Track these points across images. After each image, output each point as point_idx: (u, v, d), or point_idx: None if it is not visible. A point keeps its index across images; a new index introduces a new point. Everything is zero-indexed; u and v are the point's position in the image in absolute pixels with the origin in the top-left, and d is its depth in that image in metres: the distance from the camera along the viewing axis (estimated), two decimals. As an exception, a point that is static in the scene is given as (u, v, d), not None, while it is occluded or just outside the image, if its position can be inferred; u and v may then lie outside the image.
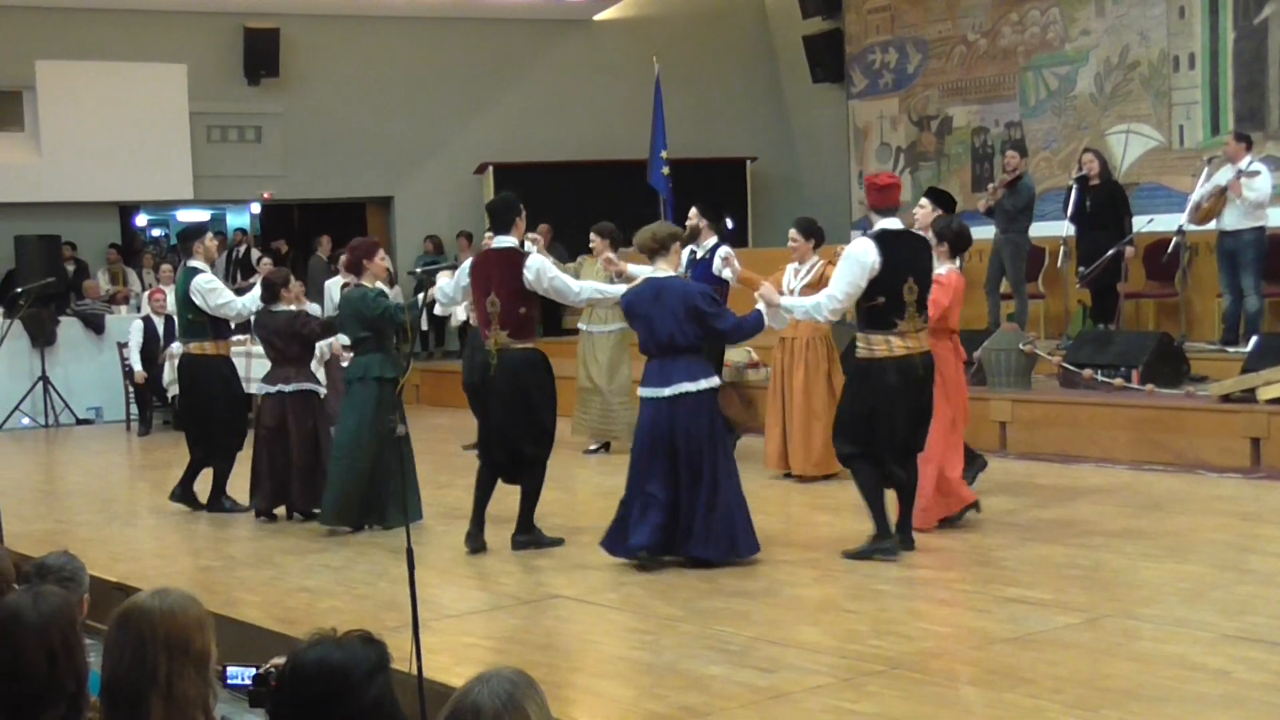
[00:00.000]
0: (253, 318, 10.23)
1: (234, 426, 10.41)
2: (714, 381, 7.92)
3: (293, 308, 10.06)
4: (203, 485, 10.43)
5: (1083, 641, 6.10)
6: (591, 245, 11.87)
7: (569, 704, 5.45)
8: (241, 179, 20.03)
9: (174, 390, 15.45)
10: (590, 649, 6.44)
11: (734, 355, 13.15)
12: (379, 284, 9.53)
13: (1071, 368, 12.09)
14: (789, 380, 10.64)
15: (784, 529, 8.85)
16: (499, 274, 8.37)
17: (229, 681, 4.35)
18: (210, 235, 10.69)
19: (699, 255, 10.90)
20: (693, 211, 11.37)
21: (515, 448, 8.38)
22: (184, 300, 10.21)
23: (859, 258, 7.71)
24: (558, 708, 5.09)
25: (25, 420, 16.40)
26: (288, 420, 9.75)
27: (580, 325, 12.79)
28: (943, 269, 8.40)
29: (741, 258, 10.33)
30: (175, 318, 11.53)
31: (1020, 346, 12.14)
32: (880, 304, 7.73)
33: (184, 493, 10.46)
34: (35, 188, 18.43)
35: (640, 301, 7.85)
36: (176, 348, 15.54)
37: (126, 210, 20.63)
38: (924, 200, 9.52)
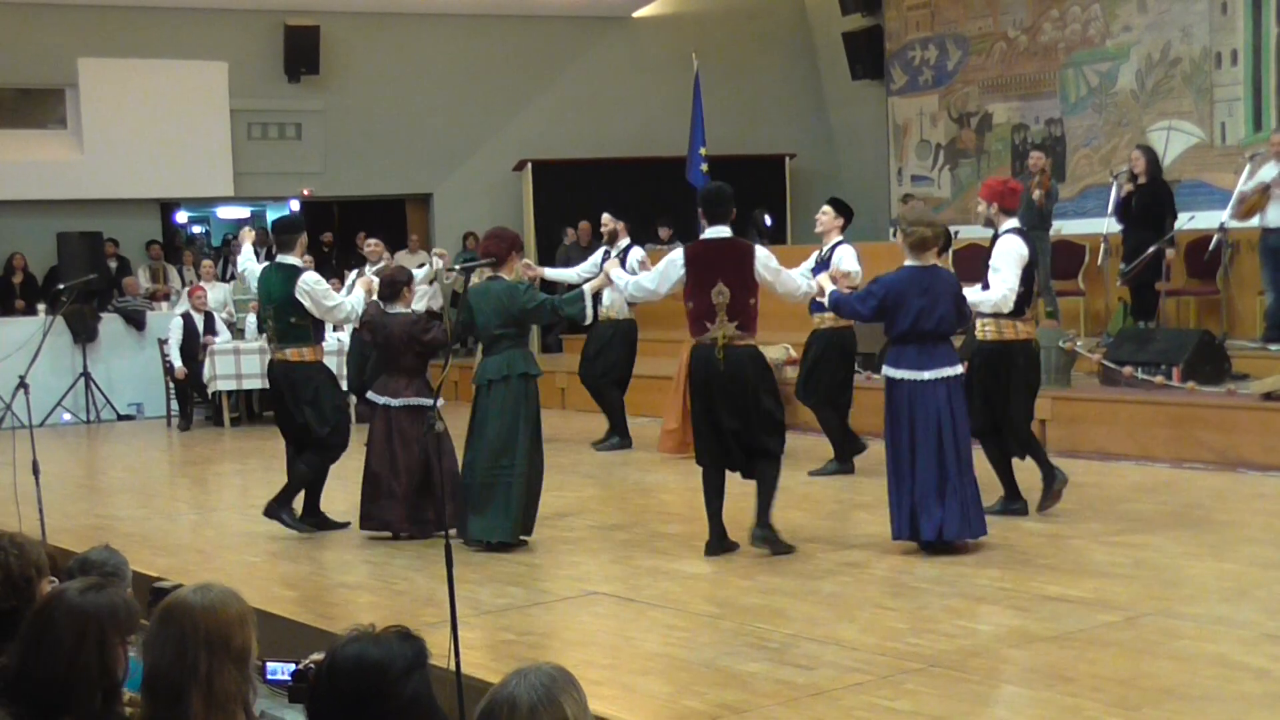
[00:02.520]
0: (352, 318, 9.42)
1: (342, 438, 9.38)
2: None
3: (410, 310, 9.17)
4: (261, 489, 10.42)
5: (1123, 640, 6.06)
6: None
7: (607, 701, 5.45)
8: (282, 176, 20.13)
9: (215, 386, 15.59)
10: (628, 646, 6.44)
11: (772, 353, 13.13)
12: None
13: (1112, 365, 12.02)
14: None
15: (822, 525, 8.83)
16: (728, 264, 8.06)
17: (269, 677, 4.38)
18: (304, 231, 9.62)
19: (613, 255, 11.53)
20: (605, 216, 12.72)
21: (754, 444, 8.04)
22: (285, 302, 9.09)
23: (1019, 251, 8.52)
24: (596, 704, 5.10)
25: (67, 416, 16.52)
26: (393, 439, 8.79)
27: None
28: None
29: (779, 254, 10.29)
30: (263, 323, 9.98)
31: (1060, 344, 12.07)
32: (1021, 293, 8.46)
33: (315, 514, 9.39)
34: (77, 185, 18.57)
35: (912, 289, 7.92)
36: (223, 342, 15.74)
37: (167, 207, 20.75)
38: (826, 208, 10.72)
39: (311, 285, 9.07)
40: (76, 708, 3.42)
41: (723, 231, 8.15)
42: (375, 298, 9.17)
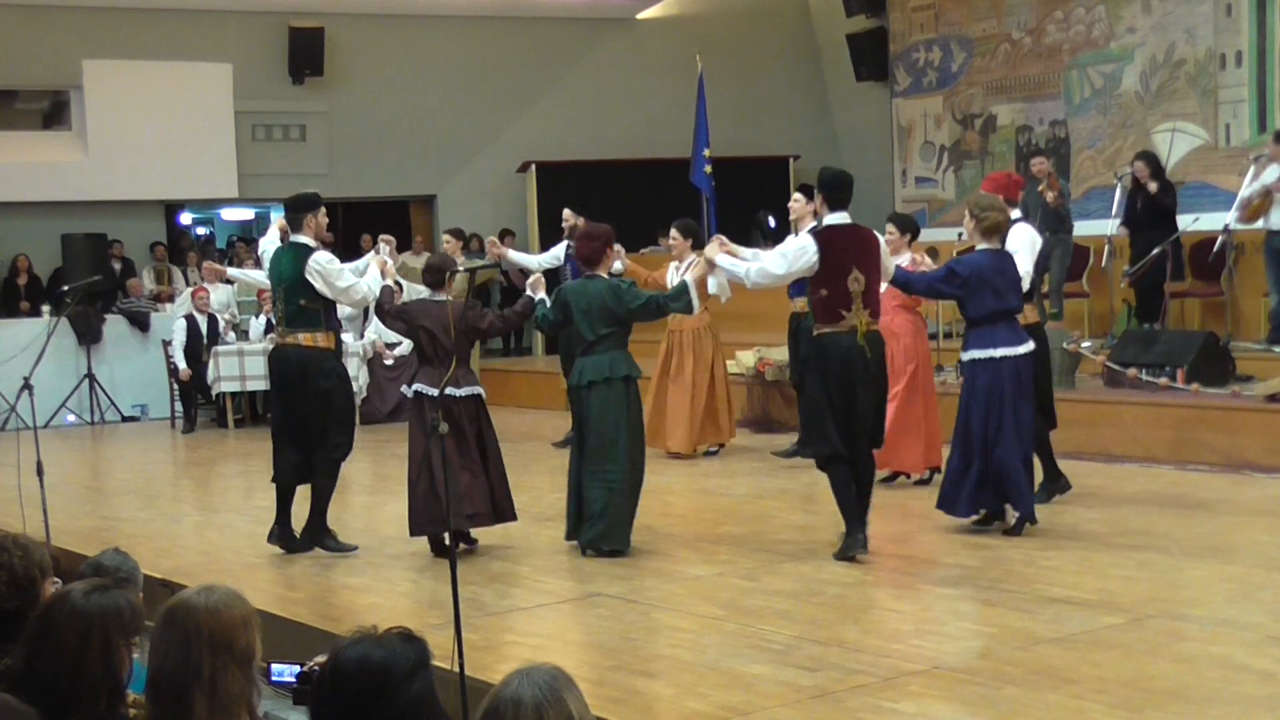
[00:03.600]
0: (371, 303, 8.89)
1: (350, 435, 8.82)
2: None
3: (451, 298, 8.61)
4: (267, 491, 10.38)
5: (1127, 642, 6.06)
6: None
7: (611, 702, 5.45)
8: (286, 178, 20.00)
9: (219, 388, 15.60)
10: (632, 647, 6.44)
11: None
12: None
13: (1116, 367, 12.01)
14: (679, 368, 11.84)
15: (824, 527, 8.82)
16: (860, 251, 7.94)
17: (274, 679, 4.39)
18: (323, 210, 8.79)
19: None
20: (566, 213, 12.84)
21: (876, 436, 8.04)
22: (295, 283, 8.50)
23: (1032, 237, 8.93)
24: (599, 706, 5.10)
25: (71, 417, 16.53)
26: (465, 431, 8.30)
27: None
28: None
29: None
30: (274, 306, 9.18)
31: (1065, 346, 12.06)
32: (1033, 279, 8.72)
33: (284, 532, 8.74)
34: (82, 186, 18.58)
35: (990, 271, 8.29)
36: (226, 343, 15.74)
37: (172, 209, 20.76)
38: (798, 195, 10.98)
39: (323, 264, 8.46)
40: (82, 710, 3.42)
41: (845, 217, 7.98)
42: (428, 286, 8.67)
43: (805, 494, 9.85)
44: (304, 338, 8.49)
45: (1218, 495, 9.51)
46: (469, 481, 8.25)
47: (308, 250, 8.51)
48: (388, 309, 8.61)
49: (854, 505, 7.87)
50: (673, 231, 11.69)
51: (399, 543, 8.83)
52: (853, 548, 7.79)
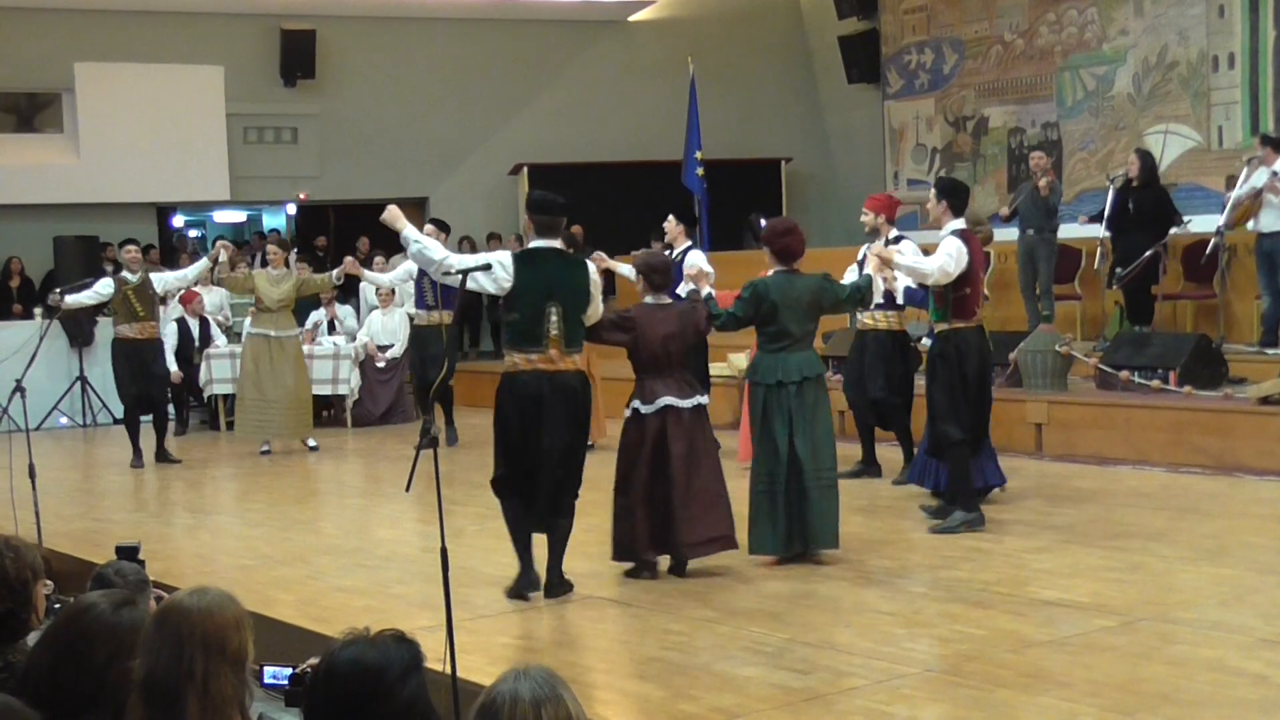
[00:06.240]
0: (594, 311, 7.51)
1: None
2: None
3: (664, 300, 7.88)
4: (260, 493, 10.38)
5: (1119, 645, 6.06)
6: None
7: (603, 704, 5.45)
8: (278, 180, 20.13)
9: (211, 390, 15.59)
10: (624, 650, 6.44)
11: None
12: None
13: (1109, 369, 12.02)
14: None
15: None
16: (979, 253, 8.78)
17: (266, 681, 4.38)
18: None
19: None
20: (429, 227, 12.95)
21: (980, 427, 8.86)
22: (581, 297, 7.33)
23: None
24: (591, 708, 5.10)
25: (63, 420, 16.51)
26: (670, 444, 7.57)
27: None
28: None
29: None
30: (541, 322, 7.29)
31: (1056, 348, 12.08)
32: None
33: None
34: (74, 189, 18.57)
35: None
36: (218, 345, 15.76)
37: (164, 211, 20.74)
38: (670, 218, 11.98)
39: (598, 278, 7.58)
40: (92, 716, 3.44)
41: (964, 223, 8.68)
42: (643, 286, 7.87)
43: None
44: (579, 359, 7.39)
45: (1210, 498, 9.52)
46: (710, 493, 7.68)
47: (584, 262, 7.59)
48: (603, 322, 7.62)
49: (973, 485, 8.70)
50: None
51: (391, 545, 8.83)
52: (979, 522, 8.57)
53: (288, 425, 13.53)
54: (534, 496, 7.21)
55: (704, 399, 7.78)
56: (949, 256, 8.48)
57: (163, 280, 13.21)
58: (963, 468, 8.64)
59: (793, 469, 7.80)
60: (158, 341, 13.11)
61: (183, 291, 15.30)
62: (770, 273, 8.09)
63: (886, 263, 8.83)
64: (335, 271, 13.58)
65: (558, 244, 7.40)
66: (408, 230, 7.70)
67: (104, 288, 12.73)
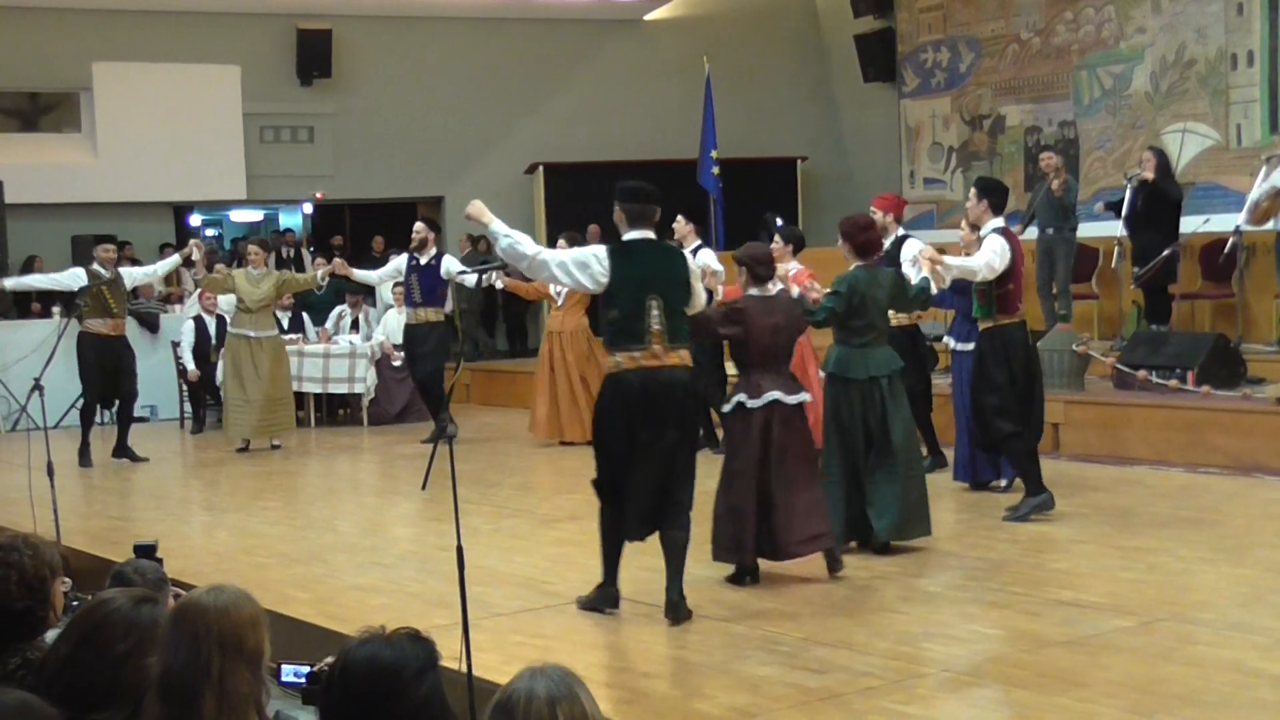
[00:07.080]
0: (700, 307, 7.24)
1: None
2: None
3: (770, 292, 7.60)
4: (276, 493, 10.41)
5: (1137, 645, 6.04)
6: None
7: (618, 704, 5.45)
8: (294, 179, 20.17)
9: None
10: (639, 649, 6.43)
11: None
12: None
13: (1126, 369, 11.99)
14: (560, 364, 13.10)
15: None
16: (1021, 253, 9.11)
17: (283, 679, 4.39)
18: None
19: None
20: (418, 225, 13.45)
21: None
22: (681, 288, 6.94)
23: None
24: (607, 707, 5.09)
25: (81, 418, 16.53)
26: (774, 440, 7.34)
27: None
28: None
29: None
30: (643, 316, 6.81)
31: (1074, 348, 12.05)
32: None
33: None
34: (91, 188, 18.63)
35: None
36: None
37: (181, 210, 20.81)
38: (679, 218, 12.12)
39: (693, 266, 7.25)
40: (107, 711, 3.45)
41: (1003, 221, 9.02)
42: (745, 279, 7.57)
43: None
44: (685, 354, 6.95)
45: (1228, 498, 9.49)
46: (809, 495, 7.49)
47: (682, 252, 7.34)
48: (714, 315, 7.45)
49: (1038, 470, 8.89)
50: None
51: (407, 543, 8.84)
52: (1049, 504, 8.78)
53: (264, 424, 13.70)
54: (639, 501, 6.81)
55: (807, 396, 7.57)
56: (994, 253, 8.77)
57: (130, 275, 13.57)
58: (1021, 457, 8.95)
59: (882, 460, 7.92)
60: (125, 339, 13.27)
61: (149, 286, 15.70)
62: (852, 268, 8.14)
63: (936, 263, 8.77)
64: (320, 272, 13.75)
65: (651, 234, 6.99)
66: (495, 225, 7.45)
67: (70, 278, 12.99)
